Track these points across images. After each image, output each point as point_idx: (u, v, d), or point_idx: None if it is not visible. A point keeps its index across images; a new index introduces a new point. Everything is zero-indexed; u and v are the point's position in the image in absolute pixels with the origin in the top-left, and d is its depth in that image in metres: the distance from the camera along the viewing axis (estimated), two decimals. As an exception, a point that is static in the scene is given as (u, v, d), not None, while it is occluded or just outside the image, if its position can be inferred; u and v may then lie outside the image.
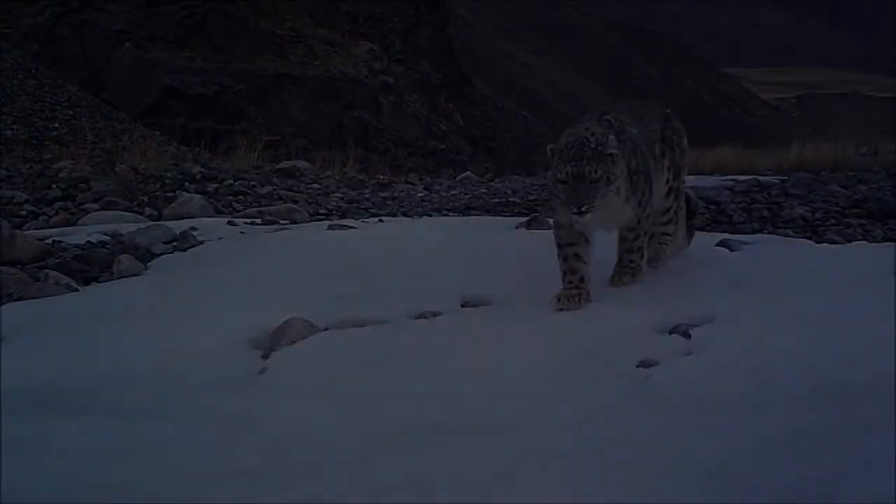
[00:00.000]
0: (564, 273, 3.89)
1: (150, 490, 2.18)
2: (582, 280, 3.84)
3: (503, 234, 6.13)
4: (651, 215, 4.12)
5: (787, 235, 7.49)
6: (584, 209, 3.54)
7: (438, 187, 15.17)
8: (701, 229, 8.41)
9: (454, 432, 2.60)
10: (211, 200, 10.44)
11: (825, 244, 6.08)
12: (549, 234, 4.34)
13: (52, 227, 8.12)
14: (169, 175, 12.22)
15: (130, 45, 20.67)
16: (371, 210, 10.97)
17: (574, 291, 3.80)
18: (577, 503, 1.93)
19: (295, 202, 11.08)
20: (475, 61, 48.92)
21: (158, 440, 2.56)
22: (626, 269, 4.11)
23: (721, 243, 5.46)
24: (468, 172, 19.28)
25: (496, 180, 17.40)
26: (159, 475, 2.29)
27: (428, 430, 2.65)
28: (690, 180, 14.04)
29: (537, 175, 17.99)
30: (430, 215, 10.27)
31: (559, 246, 3.95)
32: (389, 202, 12.16)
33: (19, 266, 5.60)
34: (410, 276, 4.67)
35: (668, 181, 4.40)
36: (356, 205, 11.58)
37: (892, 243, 5.67)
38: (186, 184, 11.91)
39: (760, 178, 13.68)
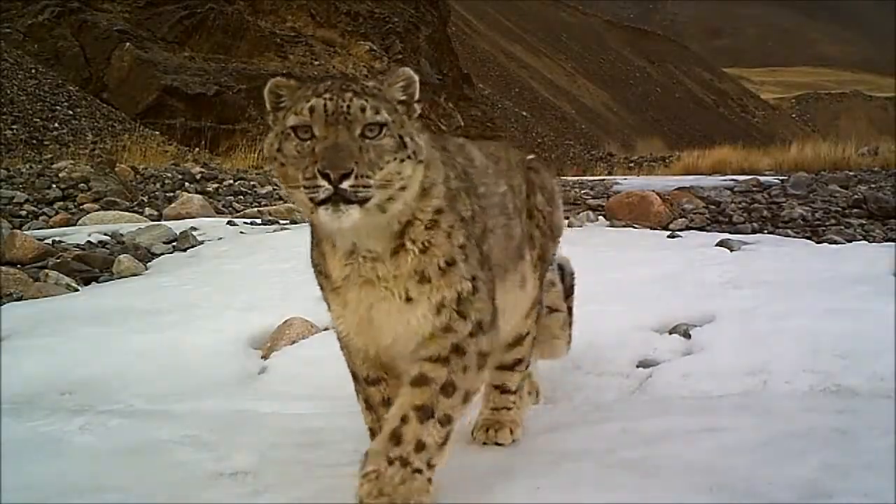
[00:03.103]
0: (371, 431, 2.20)
1: (150, 490, 2.18)
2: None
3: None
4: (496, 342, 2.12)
5: (787, 235, 7.49)
6: (348, 184, 1.72)
7: (438, 187, 15.13)
8: (701, 229, 8.44)
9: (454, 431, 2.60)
10: (211, 200, 10.44)
11: (825, 244, 6.08)
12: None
13: (52, 227, 8.13)
14: (169, 175, 12.23)
15: (130, 45, 20.69)
16: (371, 210, 10.93)
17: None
18: (577, 503, 1.92)
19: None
20: (475, 61, 48.94)
21: (158, 440, 2.56)
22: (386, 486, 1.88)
23: (721, 243, 5.47)
24: (468, 172, 19.22)
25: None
26: (159, 475, 2.29)
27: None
28: (690, 180, 14.02)
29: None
30: (430, 215, 10.23)
31: (355, 378, 2.25)
32: (389, 202, 12.12)
33: (19, 266, 5.60)
34: (410, 276, 4.65)
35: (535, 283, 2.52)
36: (356, 205, 11.54)
37: (892, 243, 5.68)
38: (186, 184, 11.91)
39: (760, 178, 13.66)
